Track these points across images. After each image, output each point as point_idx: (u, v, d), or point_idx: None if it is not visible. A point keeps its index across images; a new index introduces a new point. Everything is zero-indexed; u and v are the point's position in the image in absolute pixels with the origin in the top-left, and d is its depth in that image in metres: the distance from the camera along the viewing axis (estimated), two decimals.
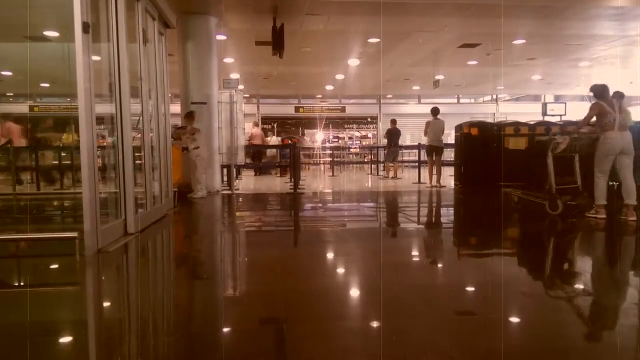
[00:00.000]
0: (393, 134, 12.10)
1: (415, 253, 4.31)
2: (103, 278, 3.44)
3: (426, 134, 9.71)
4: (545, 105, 11.75)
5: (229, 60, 12.58)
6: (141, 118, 5.19)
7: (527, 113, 15.80)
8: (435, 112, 9.64)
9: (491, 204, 7.30)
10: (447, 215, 6.98)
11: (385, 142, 12.83)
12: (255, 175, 14.28)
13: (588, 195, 5.49)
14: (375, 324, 2.40)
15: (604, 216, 5.28)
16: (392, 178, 12.11)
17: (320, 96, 21.76)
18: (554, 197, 5.54)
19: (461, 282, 3.16)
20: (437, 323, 2.41)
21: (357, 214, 6.92)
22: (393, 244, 4.62)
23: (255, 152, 13.84)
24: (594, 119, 5.44)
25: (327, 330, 2.30)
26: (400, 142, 12.58)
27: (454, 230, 5.67)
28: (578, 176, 5.65)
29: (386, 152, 12.61)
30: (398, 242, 4.75)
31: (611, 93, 5.56)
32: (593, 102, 5.41)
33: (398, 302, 2.70)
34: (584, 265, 3.96)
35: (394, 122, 12.31)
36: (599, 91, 5.41)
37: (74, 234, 3.65)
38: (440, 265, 3.80)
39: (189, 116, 7.91)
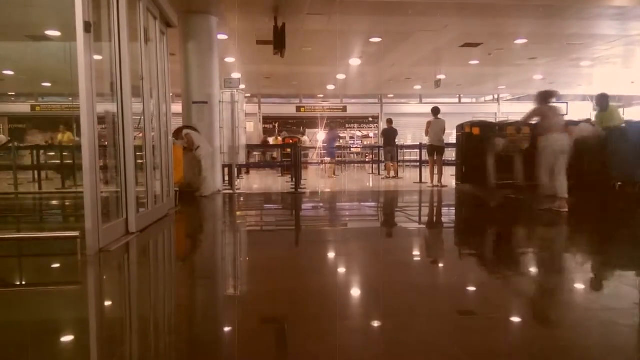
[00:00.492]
0: (388, 134, 12.11)
1: (409, 252, 4.31)
2: (104, 277, 3.44)
3: (427, 133, 9.73)
4: None
5: (230, 60, 12.59)
6: (142, 117, 5.20)
7: None
8: (435, 111, 9.65)
9: (485, 203, 7.28)
10: (447, 214, 6.97)
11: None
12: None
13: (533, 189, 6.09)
14: (377, 322, 2.40)
15: (566, 209, 5.62)
16: (392, 177, 12.11)
17: (321, 95, 21.77)
18: (492, 191, 6.34)
19: (458, 281, 3.17)
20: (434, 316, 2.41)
21: (358, 213, 6.91)
22: (390, 243, 4.63)
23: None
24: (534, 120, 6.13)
25: (330, 329, 2.30)
26: (402, 142, 12.60)
27: (445, 229, 5.67)
28: (519, 172, 6.40)
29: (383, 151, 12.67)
30: (395, 241, 4.74)
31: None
32: (536, 106, 6.00)
33: (397, 300, 2.70)
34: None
35: (389, 121, 12.32)
36: (543, 96, 5.98)
37: (75, 233, 3.65)
38: (436, 264, 3.80)
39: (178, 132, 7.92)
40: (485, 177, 6.86)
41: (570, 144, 5.73)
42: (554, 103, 5.96)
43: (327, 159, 14.03)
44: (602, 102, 7.79)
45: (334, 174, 13.45)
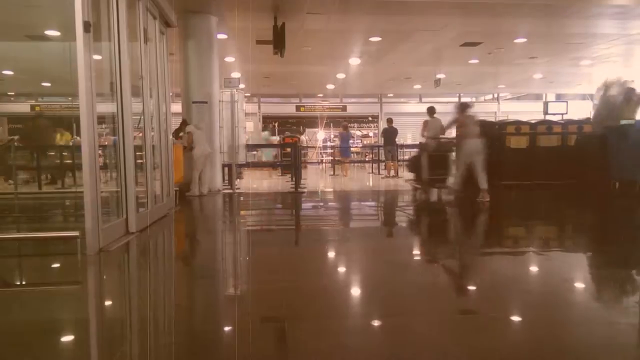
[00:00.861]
0: (389, 133, 12.05)
1: (404, 250, 4.31)
2: (105, 277, 3.44)
3: (423, 133, 9.64)
4: (546, 104, 11.73)
5: (229, 59, 12.58)
6: (142, 117, 5.19)
7: (528, 112, 15.76)
8: (431, 111, 9.55)
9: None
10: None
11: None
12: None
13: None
14: (375, 320, 2.41)
15: (488, 199, 6.73)
16: (392, 177, 12.08)
17: (321, 95, 21.75)
18: (425, 184, 7.59)
19: (458, 278, 3.18)
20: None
21: (357, 212, 6.92)
22: (386, 241, 4.62)
23: None
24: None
25: (331, 327, 2.30)
26: (402, 141, 12.54)
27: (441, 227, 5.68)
28: (448, 169, 7.47)
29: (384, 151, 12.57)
30: (392, 239, 4.75)
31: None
32: (455, 116, 6.98)
33: (392, 296, 2.71)
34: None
35: (389, 120, 12.27)
36: (461, 107, 7.09)
37: (76, 233, 3.65)
38: (429, 261, 3.81)
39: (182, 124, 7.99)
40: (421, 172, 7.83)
41: (484, 147, 6.71)
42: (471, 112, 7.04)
43: (337, 158, 13.83)
44: (631, 95, 8.01)
45: (346, 173, 13.28)
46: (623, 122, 7.83)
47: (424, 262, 3.86)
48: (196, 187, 7.86)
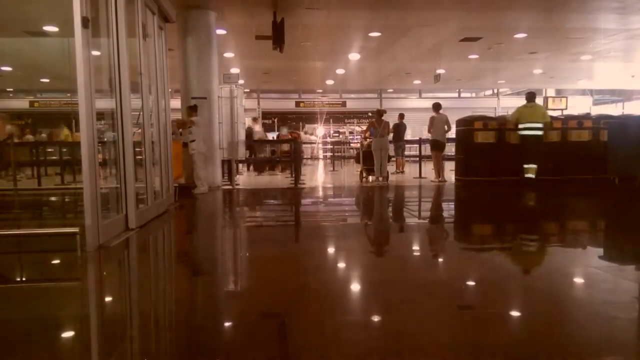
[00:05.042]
0: (398, 128, 11.94)
1: (397, 244, 4.32)
2: (104, 273, 3.44)
3: (429, 129, 9.54)
4: (546, 99, 11.73)
5: (228, 55, 12.54)
6: (141, 113, 5.19)
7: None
8: (436, 107, 9.47)
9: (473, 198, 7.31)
10: (447, 209, 7.00)
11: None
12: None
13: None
14: (373, 315, 2.42)
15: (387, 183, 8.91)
16: (399, 172, 11.97)
17: (320, 90, 21.72)
18: (361, 173, 9.70)
19: (458, 275, 3.18)
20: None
21: (356, 208, 6.92)
22: (384, 236, 4.64)
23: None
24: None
25: (330, 321, 2.31)
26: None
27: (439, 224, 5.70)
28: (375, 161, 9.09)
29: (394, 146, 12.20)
30: (388, 235, 4.76)
31: None
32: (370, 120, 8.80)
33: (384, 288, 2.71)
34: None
35: (401, 116, 12.16)
36: (378, 113, 9.00)
37: (75, 229, 3.65)
38: (434, 258, 3.82)
39: (191, 109, 7.90)
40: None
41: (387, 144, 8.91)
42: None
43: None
44: (530, 98, 8.39)
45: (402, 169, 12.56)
46: (521, 125, 8.09)
47: None
48: (204, 184, 7.80)
